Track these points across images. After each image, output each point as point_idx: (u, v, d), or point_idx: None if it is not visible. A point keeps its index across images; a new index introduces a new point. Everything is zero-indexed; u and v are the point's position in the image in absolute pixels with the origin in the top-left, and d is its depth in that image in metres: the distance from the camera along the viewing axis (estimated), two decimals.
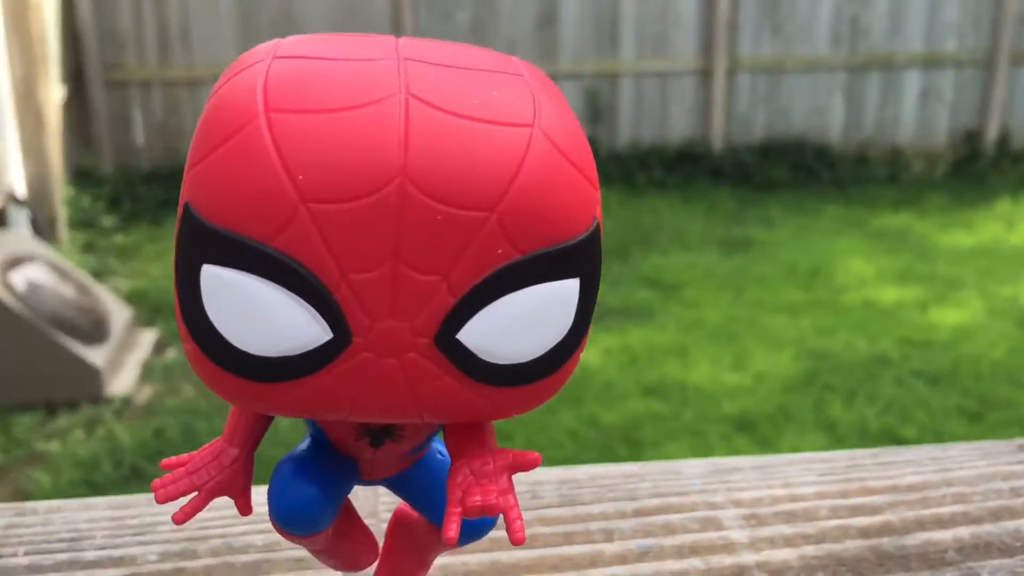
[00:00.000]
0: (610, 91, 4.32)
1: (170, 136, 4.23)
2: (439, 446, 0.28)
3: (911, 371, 2.61)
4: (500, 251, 0.20)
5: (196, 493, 0.26)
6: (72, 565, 0.36)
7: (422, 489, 0.28)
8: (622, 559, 0.36)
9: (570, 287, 0.21)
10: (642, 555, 0.37)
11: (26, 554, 0.37)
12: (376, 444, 0.26)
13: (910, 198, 4.30)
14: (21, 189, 3.12)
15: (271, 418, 0.27)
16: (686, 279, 3.28)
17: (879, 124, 4.66)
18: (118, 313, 2.54)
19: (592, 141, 3.69)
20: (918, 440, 2.17)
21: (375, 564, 0.30)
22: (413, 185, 0.19)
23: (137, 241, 3.50)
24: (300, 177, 0.19)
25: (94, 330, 2.37)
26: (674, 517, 0.39)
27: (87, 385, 2.26)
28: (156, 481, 0.26)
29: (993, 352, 2.73)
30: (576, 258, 0.21)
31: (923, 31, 4.60)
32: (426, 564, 0.30)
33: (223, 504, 0.37)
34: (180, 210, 0.21)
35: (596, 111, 4.27)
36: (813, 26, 4.51)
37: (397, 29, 4.25)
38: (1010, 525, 0.38)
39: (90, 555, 0.37)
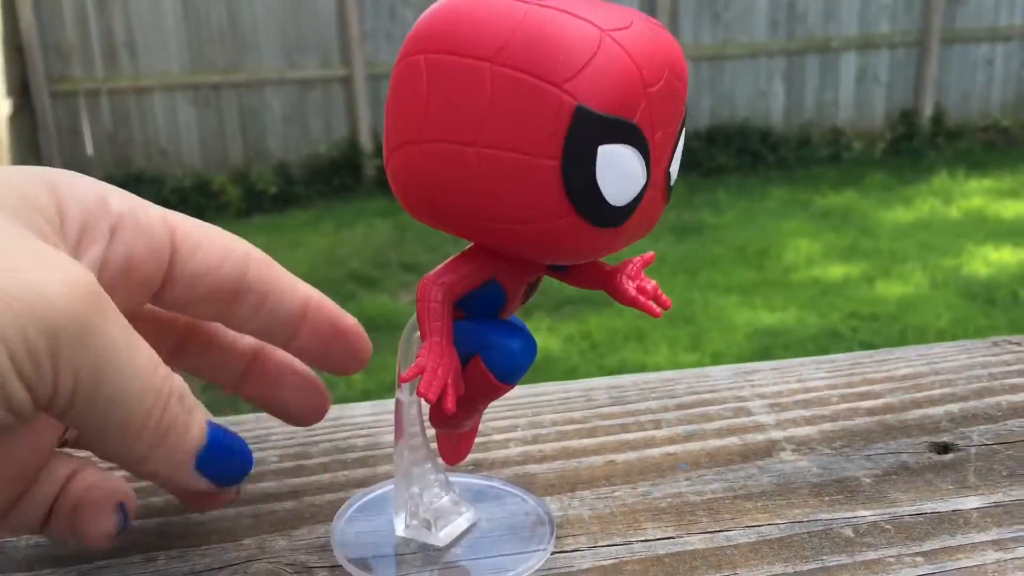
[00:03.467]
0: None
1: (119, 146, 4.21)
2: None
3: (860, 343, 2.70)
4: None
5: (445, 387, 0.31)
6: None
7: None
8: (671, 440, 0.43)
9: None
10: (688, 437, 0.43)
11: None
12: (525, 299, 0.33)
13: (851, 177, 4.43)
14: None
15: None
16: None
17: (819, 106, 4.80)
18: None
19: None
20: None
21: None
22: (673, 73, 0.29)
23: None
24: (643, 72, 0.28)
25: None
26: (710, 409, 0.46)
27: None
28: (418, 389, 0.30)
29: (938, 322, 2.85)
30: None
31: (857, 14, 4.74)
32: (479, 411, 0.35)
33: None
34: (565, 119, 0.27)
35: None
36: (751, 13, 4.63)
37: (343, 29, 4.28)
38: (991, 400, 0.45)
39: None
